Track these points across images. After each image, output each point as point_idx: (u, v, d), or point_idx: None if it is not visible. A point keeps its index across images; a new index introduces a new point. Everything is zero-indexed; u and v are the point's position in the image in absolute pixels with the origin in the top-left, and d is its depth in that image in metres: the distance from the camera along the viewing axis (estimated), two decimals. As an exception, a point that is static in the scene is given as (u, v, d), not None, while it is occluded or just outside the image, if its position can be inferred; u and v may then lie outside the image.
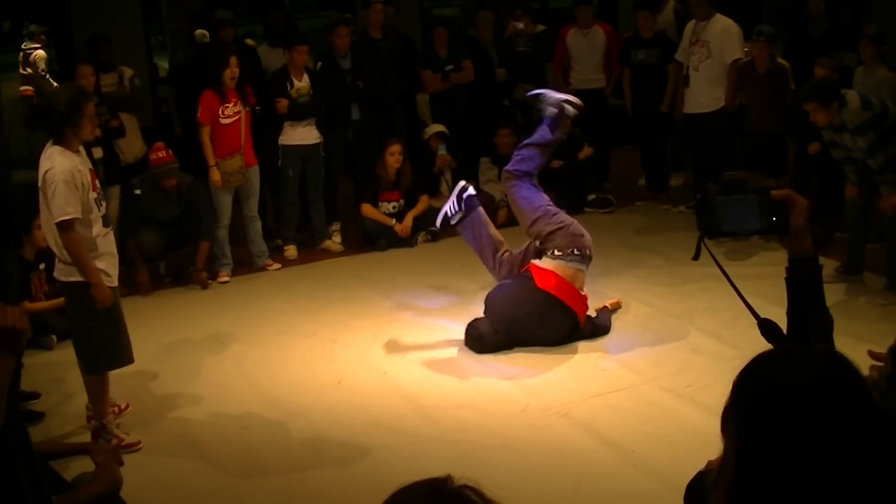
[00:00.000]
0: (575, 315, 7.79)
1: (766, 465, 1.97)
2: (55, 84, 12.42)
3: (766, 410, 1.99)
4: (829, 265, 8.53)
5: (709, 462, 2.35)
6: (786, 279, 2.84)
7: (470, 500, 1.90)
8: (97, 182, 6.49)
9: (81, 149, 6.45)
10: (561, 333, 7.79)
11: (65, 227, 6.18)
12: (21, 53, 16.38)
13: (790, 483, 1.94)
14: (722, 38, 10.34)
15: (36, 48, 16.08)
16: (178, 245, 9.81)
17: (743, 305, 2.83)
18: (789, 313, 2.82)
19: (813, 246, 2.79)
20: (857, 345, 2.78)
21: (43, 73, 15.65)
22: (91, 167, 6.49)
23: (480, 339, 7.79)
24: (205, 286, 9.65)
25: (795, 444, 1.95)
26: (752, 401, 2.03)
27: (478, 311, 8.07)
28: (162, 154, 9.50)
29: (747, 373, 2.08)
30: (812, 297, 2.80)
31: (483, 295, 8.16)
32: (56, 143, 6.26)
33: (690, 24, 10.66)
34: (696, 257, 2.97)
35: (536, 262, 7.88)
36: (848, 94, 8.33)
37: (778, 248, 2.80)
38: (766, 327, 2.75)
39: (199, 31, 11.36)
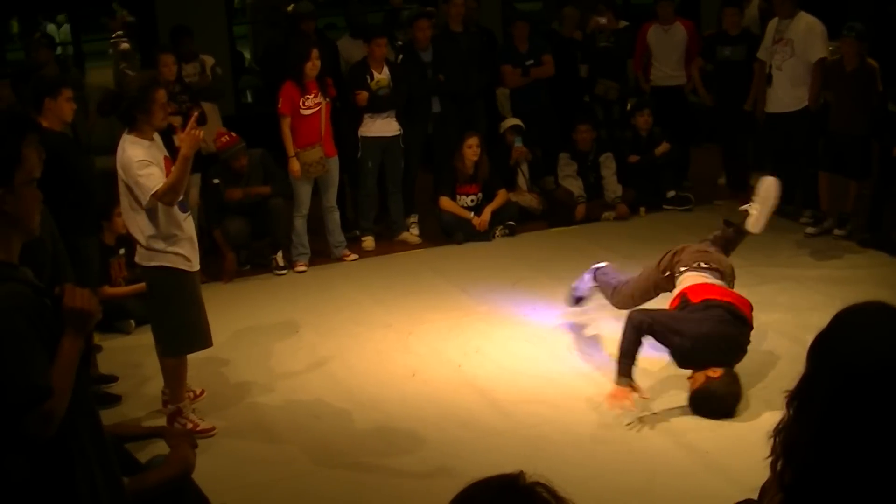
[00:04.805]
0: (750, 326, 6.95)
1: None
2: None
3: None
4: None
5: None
6: None
7: (542, 498, 1.89)
8: (172, 169, 6.52)
9: (156, 136, 6.48)
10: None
11: (160, 197, 6.16)
12: (111, 49, 16.33)
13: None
14: (806, 36, 10.17)
15: (122, 39, 16.04)
16: (261, 235, 9.98)
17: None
18: None
19: None
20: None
21: (125, 68, 15.58)
22: (166, 154, 6.51)
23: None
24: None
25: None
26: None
27: (553, 305, 8.08)
28: (225, 138, 9.77)
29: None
30: None
31: (559, 289, 8.29)
32: (130, 131, 6.29)
33: (773, 22, 10.50)
34: None
35: (684, 286, 7.07)
36: None
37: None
38: None
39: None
